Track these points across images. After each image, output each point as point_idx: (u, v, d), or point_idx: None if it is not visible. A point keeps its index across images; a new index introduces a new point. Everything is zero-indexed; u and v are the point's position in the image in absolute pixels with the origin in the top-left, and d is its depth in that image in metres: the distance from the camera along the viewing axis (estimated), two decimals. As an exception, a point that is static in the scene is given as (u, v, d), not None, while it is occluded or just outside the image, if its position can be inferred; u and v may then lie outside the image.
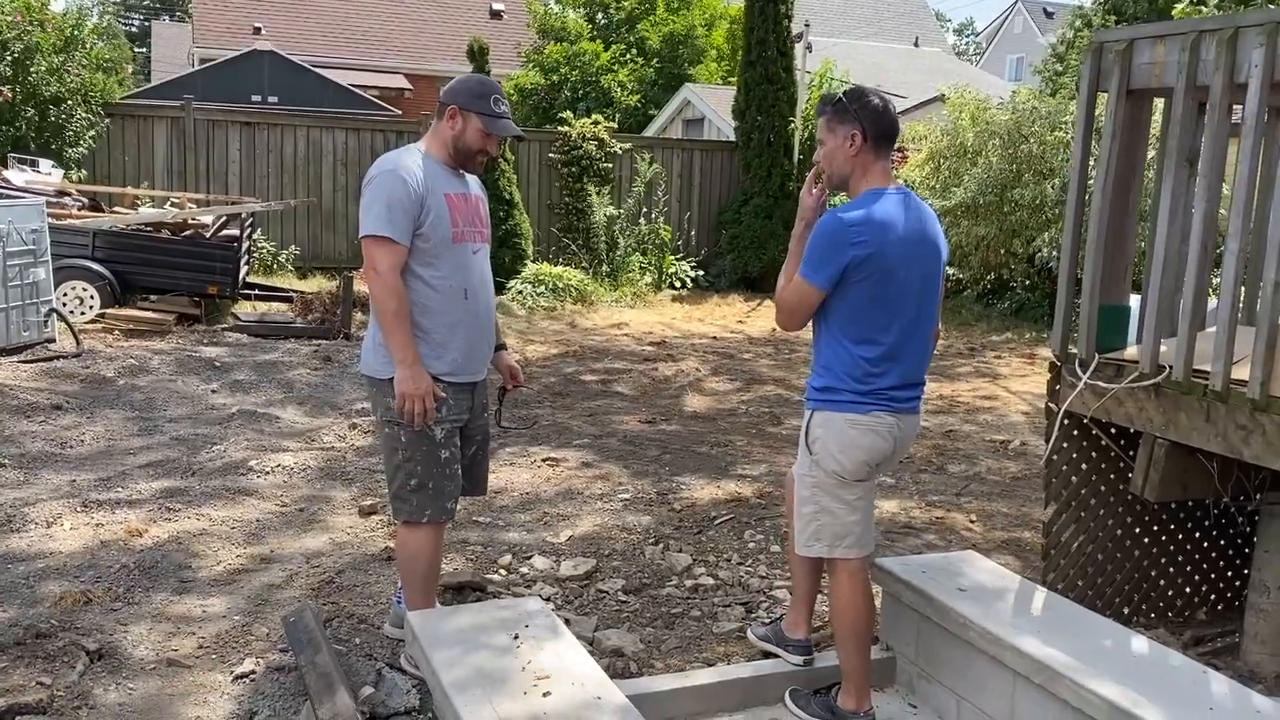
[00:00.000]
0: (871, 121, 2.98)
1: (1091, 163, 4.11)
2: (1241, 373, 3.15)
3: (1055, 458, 3.77)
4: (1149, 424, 3.42)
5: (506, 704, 2.51)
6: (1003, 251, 12.54)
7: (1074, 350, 3.73)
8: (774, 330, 11.60)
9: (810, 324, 3.11)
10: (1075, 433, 3.80)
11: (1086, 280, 3.61)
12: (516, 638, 2.85)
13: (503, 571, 4.49)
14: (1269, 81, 3.00)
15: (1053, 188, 11.71)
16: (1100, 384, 3.52)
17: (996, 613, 3.16)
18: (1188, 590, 4.10)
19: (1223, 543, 4.13)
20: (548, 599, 4.25)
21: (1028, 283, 12.71)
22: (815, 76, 14.49)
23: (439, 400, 3.32)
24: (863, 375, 2.98)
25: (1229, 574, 4.18)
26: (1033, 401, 8.44)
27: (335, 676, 3.04)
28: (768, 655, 3.55)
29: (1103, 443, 3.81)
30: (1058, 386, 3.77)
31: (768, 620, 3.83)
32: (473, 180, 3.58)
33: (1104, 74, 3.53)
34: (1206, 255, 3.24)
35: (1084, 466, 3.83)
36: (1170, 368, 3.33)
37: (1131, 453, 3.85)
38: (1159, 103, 4.06)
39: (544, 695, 2.55)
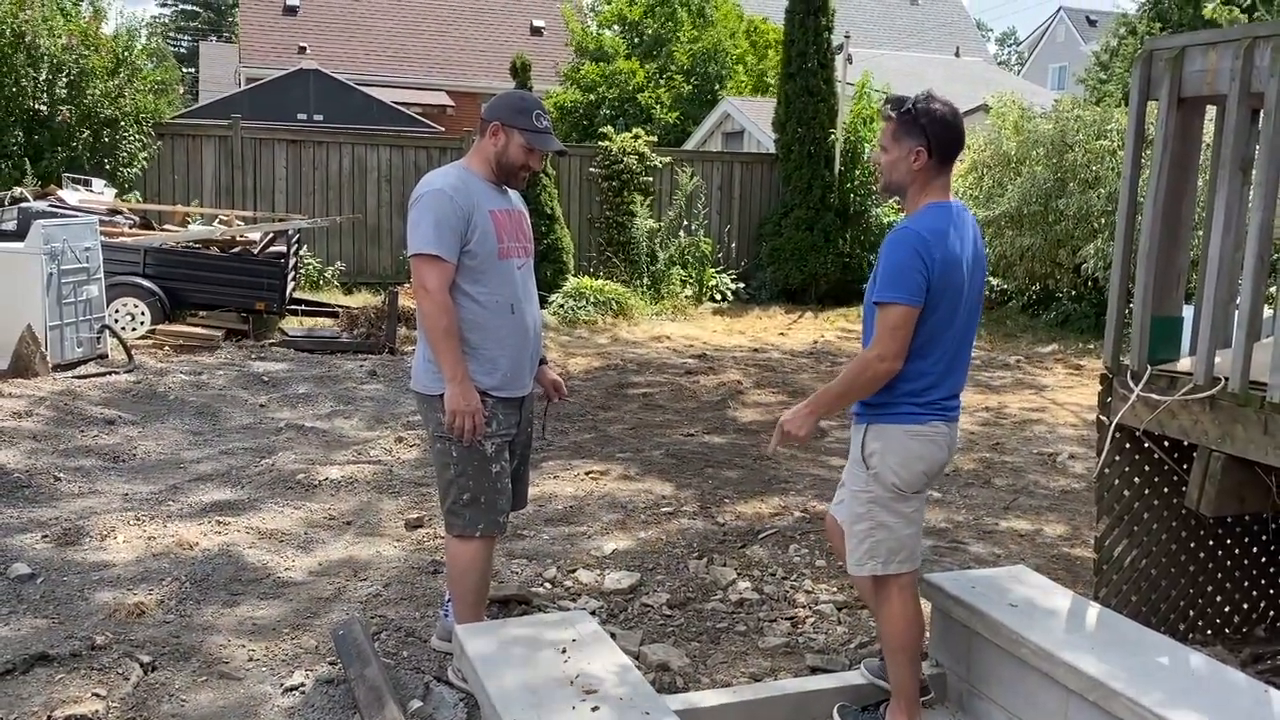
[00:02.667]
0: (938, 136, 2.90)
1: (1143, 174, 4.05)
2: (1300, 384, 3.09)
3: (1107, 471, 3.71)
4: (1204, 437, 3.36)
5: (554, 718, 2.51)
6: (1048, 262, 12.40)
7: (1125, 362, 3.68)
8: (815, 342, 11.55)
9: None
10: (1127, 446, 3.74)
11: (1138, 291, 3.56)
12: (564, 651, 2.85)
13: (548, 585, 4.50)
14: (1326, 88, 2.95)
15: (1098, 197, 11.57)
16: (1153, 396, 3.46)
17: (1049, 628, 3.12)
18: (1245, 606, 4.01)
19: (1281, 557, 4.05)
20: (593, 613, 4.25)
21: (1074, 293, 12.56)
22: (855, 88, 14.43)
23: (488, 416, 3.34)
24: (922, 388, 2.94)
25: (1288, 590, 4.09)
26: (1080, 414, 8.33)
27: (384, 690, 3.06)
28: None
29: (1155, 456, 3.74)
30: (1109, 399, 3.71)
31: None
32: (515, 196, 3.61)
33: (1154, 82, 3.49)
34: (1263, 265, 3.18)
35: (1136, 480, 3.76)
36: (1226, 379, 3.27)
37: (1185, 465, 3.78)
38: (1210, 110, 3.99)
39: (592, 710, 2.55)
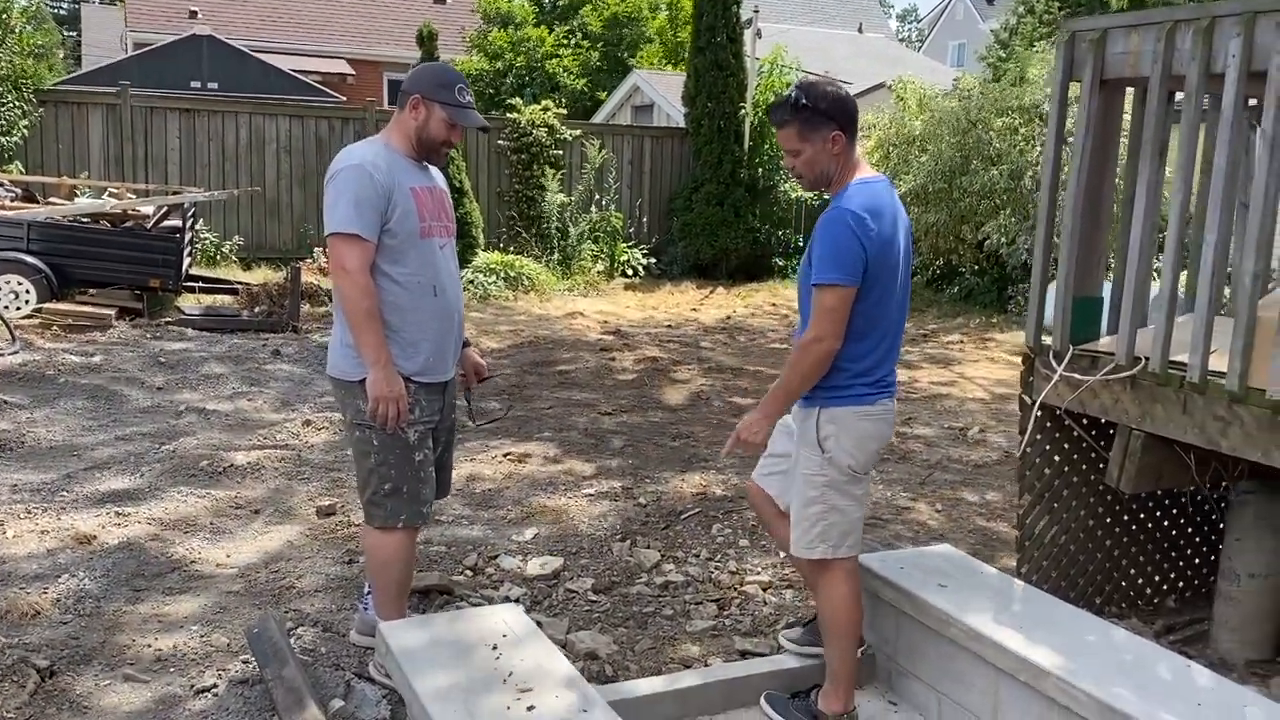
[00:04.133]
0: (843, 114, 2.91)
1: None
2: (1218, 364, 3.15)
3: (1029, 450, 3.75)
4: (1124, 415, 3.41)
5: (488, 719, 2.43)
6: (952, 238, 12.63)
7: (1047, 341, 3.72)
8: (728, 317, 11.58)
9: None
10: (1048, 424, 3.79)
11: (1061, 272, 3.59)
12: (495, 648, 2.76)
13: (468, 572, 4.39)
14: (1246, 72, 2.99)
15: (1000, 174, 11.80)
16: (1075, 376, 3.50)
17: (977, 609, 3.14)
18: (1156, 579, 4.12)
19: (1190, 530, 4.16)
20: (516, 600, 4.16)
21: (976, 268, 12.81)
22: (765, 63, 14.46)
23: (411, 402, 3.22)
24: (869, 368, 2.93)
25: (1196, 561, 4.21)
26: (989, 388, 8.50)
27: (304, 690, 2.93)
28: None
29: (1075, 434, 3.80)
30: (1031, 378, 3.75)
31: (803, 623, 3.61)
32: (436, 173, 3.47)
33: (1077, 64, 3.51)
34: (1182, 246, 3.23)
35: (1056, 458, 3.82)
36: (1146, 359, 3.32)
37: (1103, 443, 3.85)
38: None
39: (528, 709, 2.47)
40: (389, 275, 3.22)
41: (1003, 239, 11.69)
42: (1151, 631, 3.81)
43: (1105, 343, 3.62)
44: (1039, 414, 3.72)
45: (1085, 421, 3.79)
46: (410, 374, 3.25)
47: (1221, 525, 4.19)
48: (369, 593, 3.61)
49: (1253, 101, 3.32)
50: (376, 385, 3.14)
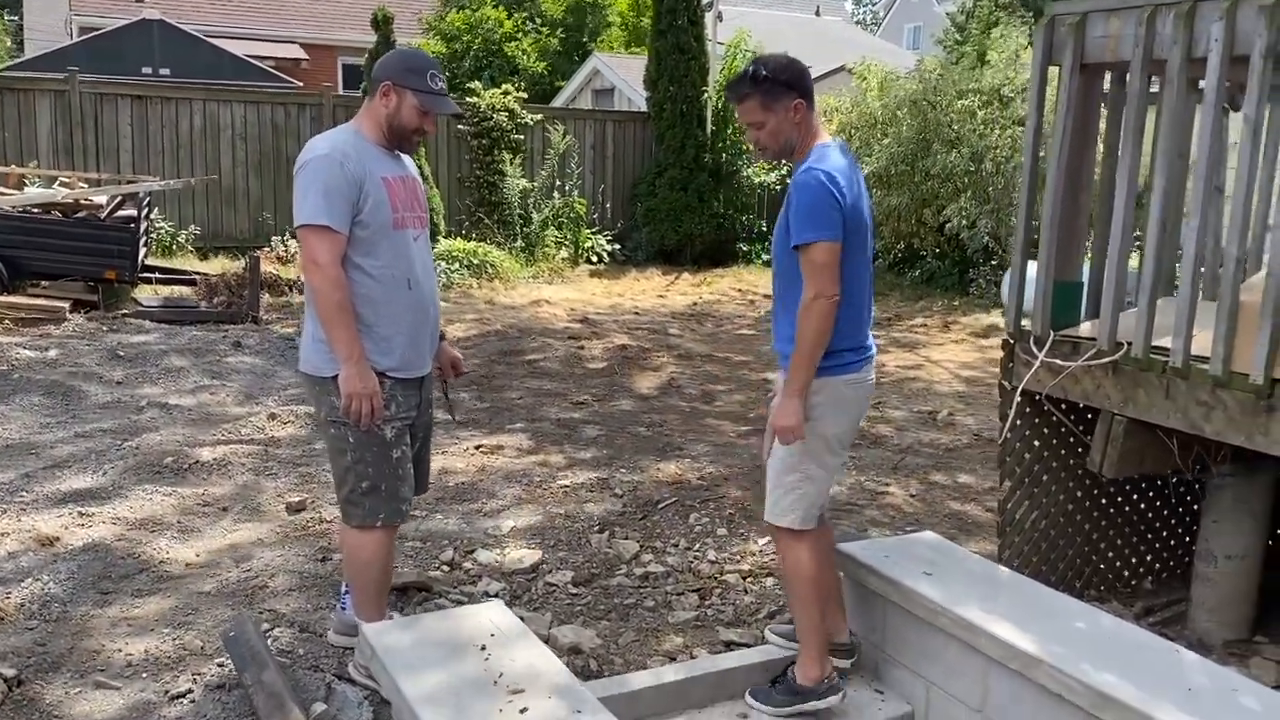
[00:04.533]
0: (801, 82, 2.96)
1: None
2: (1201, 349, 3.16)
3: (1009, 435, 3.75)
4: (1106, 401, 3.42)
5: (481, 723, 2.37)
6: (913, 221, 12.68)
7: (1027, 326, 3.71)
8: (694, 304, 11.55)
9: (777, 286, 3.05)
10: (1028, 409, 3.78)
11: (1041, 257, 3.58)
12: (484, 648, 2.71)
13: (445, 568, 4.32)
14: (1228, 56, 2.98)
15: (960, 156, 11.85)
16: (1057, 361, 3.50)
17: (966, 597, 3.12)
18: (1134, 561, 4.15)
19: (1165, 513, 4.19)
20: (495, 595, 4.11)
21: (938, 251, 12.88)
22: (729, 47, 14.40)
23: (387, 398, 3.14)
24: (852, 332, 2.96)
25: (1172, 543, 4.24)
26: (955, 371, 8.55)
27: (285, 696, 2.86)
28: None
29: (1054, 419, 3.81)
30: (1011, 364, 3.75)
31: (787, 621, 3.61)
32: (408, 161, 3.39)
33: (1056, 47, 3.49)
34: (1164, 232, 3.23)
35: (1036, 443, 3.83)
36: (1129, 344, 3.32)
37: (1081, 427, 3.86)
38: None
39: (520, 711, 2.42)
40: (361, 268, 3.13)
41: (964, 222, 11.75)
42: (1131, 614, 3.84)
43: (1085, 328, 3.62)
44: (1018, 400, 3.72)
45: (1064, 406, 3.79)
46: (385, 369, 3.17)
47: (1196, 508, 4.23)
48: (346, 592, 3.54)
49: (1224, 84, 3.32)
50: (349, 382, 3.06)
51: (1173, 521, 4.22)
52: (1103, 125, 3.63)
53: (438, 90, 3.22)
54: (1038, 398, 3.73)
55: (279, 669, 3.11)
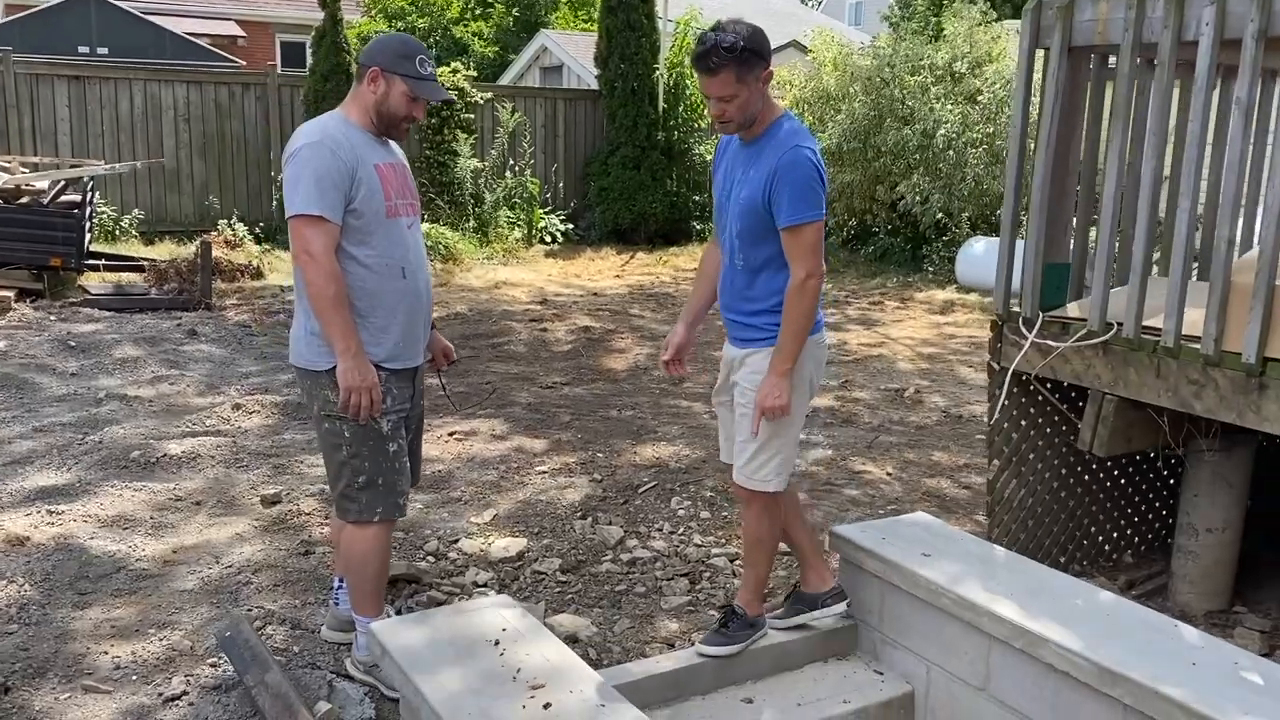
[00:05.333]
0: (768, 51, 2.92)
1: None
2: (1192, 328, 3.21)
3: (998, 415, 3.79)
4: (1097, 380, 3.47)
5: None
6: (867, 198, 12.76)
7: (1015, 308, 3.75)
8: (652, 283, 11.53)
9: (737, 260, 3.04)
10: (1014, 389, 3.83)
11: (1030, 238, 3.61)
12: (497, 643, 2.68)
13: (430, 559, 4.28)
14: (1219, 39, 3.02)
15: (913, 132, 11.94)
16: (1048, 342, 3.54)
17: (965, 577, 3.15)
18: (1115, 535, 4.23)
19: (1145, 488, 4.28)
20: (484, 585, 4.07)
21: (890, 227, 12.98)
22: (680, 24, 14.32)
23: (382, 390, 3.08)
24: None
25: (1150, 517, 4.33)
26: (915, 348, 8.63)
27: (293, 697, 2.81)
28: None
29: (1040, 398, 3.85)
30: (1000, 344, 3.78)
31: (782, 598, 3.65)
32: (397, 148, 3.31)
33: (1044, 30, 3.51)
34: (1153, 213, 3.28)
35: (1023, 423, 3.87)
36: (1120, 325, 3.37)
37: (1065, 405, 3.92)
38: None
39: (544, 707, 2.39)
40: (355, 258, 3.07)
41: (917, 198, 11.86)
42: (1116, 587, 3.91)
43: (1073, 308, 3.67)
44: (1005, 380, 3.76)
45: (1050, 386, 3.84)
46: (379, 361, 3.11)
47: (1173, 482, 4.33)
48: (339, 587, 3.48)
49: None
50: (348, 375, 3.00)
51: (1150, 496, 4.31)
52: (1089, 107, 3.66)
53: (427, 76, 3.15)
54: (1024, 378, 3.77)
55: (283, 671, 3.05)
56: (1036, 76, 3.61)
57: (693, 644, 3.58)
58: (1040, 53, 3.58)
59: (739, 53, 2.82)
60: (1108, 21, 3.31)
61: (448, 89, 13.30)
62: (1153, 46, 3.21)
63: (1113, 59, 3.68)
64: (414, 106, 3.17)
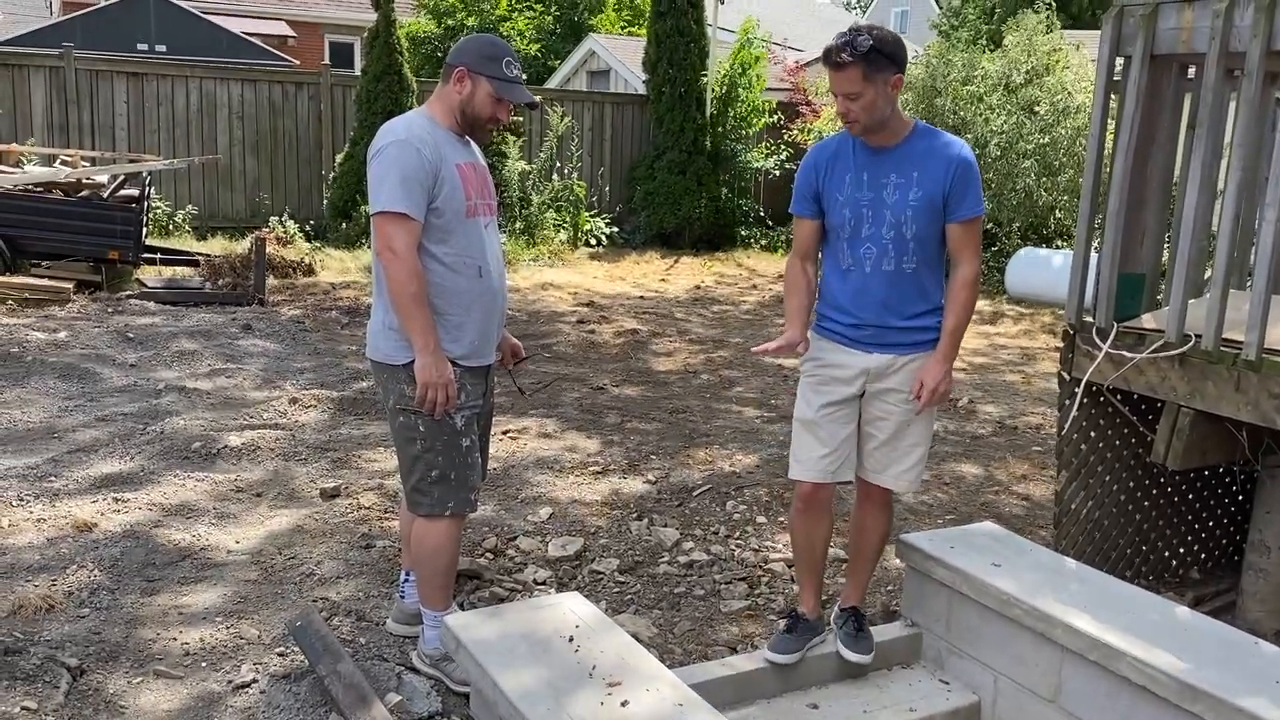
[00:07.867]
0: (904, 59, 2.96)
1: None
2: (1274, 342, 3.16)
3: (1068, 426, 3.75)
4: (1172, 393, 3.42)
5: (584, 716, 2.35)
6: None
7: (1088, 319, 3.71)
8: (697, 287, 11.53)
9: (905, 263, 3.04)
10: (1085, 400, 3.79)
11: (1105, 249, 3.58)
12: (571, 639, 2.69)
13: (489, 555, 4.30)
14: (1311, 50, 2.98)
15: (967, 142, 11.82)
16: (1123, 353, 3.50)
17: (1037, 588, 3.13)
18: (1181, 550, 4.17)
19: (1213, 504, 4.22)
20: (543, 583, 4.09)
21: (939, 237, 12.85)
22: (742, 34, 14.31)
23: (457, 386, 3.11)
24: None
25: (1217, 534, 4.27)
26: (965, 357, 8.55)
27: (367, 688, 2.83)
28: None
29: (1110, 410, 3.81)
30: (1071, 355, 3.75)
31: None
32: (477, 149, 3.34)
33: (1125, 39, 3.48)
34: (1238, 225, 3.23)
35: (1093, 434, 3.83)
36: (1198, 337, 3.33)
37: (1135, 417, 3.87)
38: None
39: (622, 704, 2.40)
40: (434, 255, 3.09)
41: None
42: (1185, 603, 3.85)
43: (1149, 319, 3.62)
44: (1076, 390, 3.72)
45: (1119, 397, 3.80)
46: (455, 357, 3.14)
47: (1241, 498, 4.26)
48: (407, 580, 3.51)
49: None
50: (425, 371, 3.02)
51: (1218, 512, 4.24)
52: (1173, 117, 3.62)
53: (513, 78, 3.17)
54: (1095, 389, 3.73)
55: (354, 662, 3.08)
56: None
57: (756, 648, 3.59)
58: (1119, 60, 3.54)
59: (868, 52, 2.86)
60: (1193, 30, 3.27)
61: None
62: (1237, 56, 3.17)
63: (1191, 69, 3.65)
64: (499, 108, 3.19)
